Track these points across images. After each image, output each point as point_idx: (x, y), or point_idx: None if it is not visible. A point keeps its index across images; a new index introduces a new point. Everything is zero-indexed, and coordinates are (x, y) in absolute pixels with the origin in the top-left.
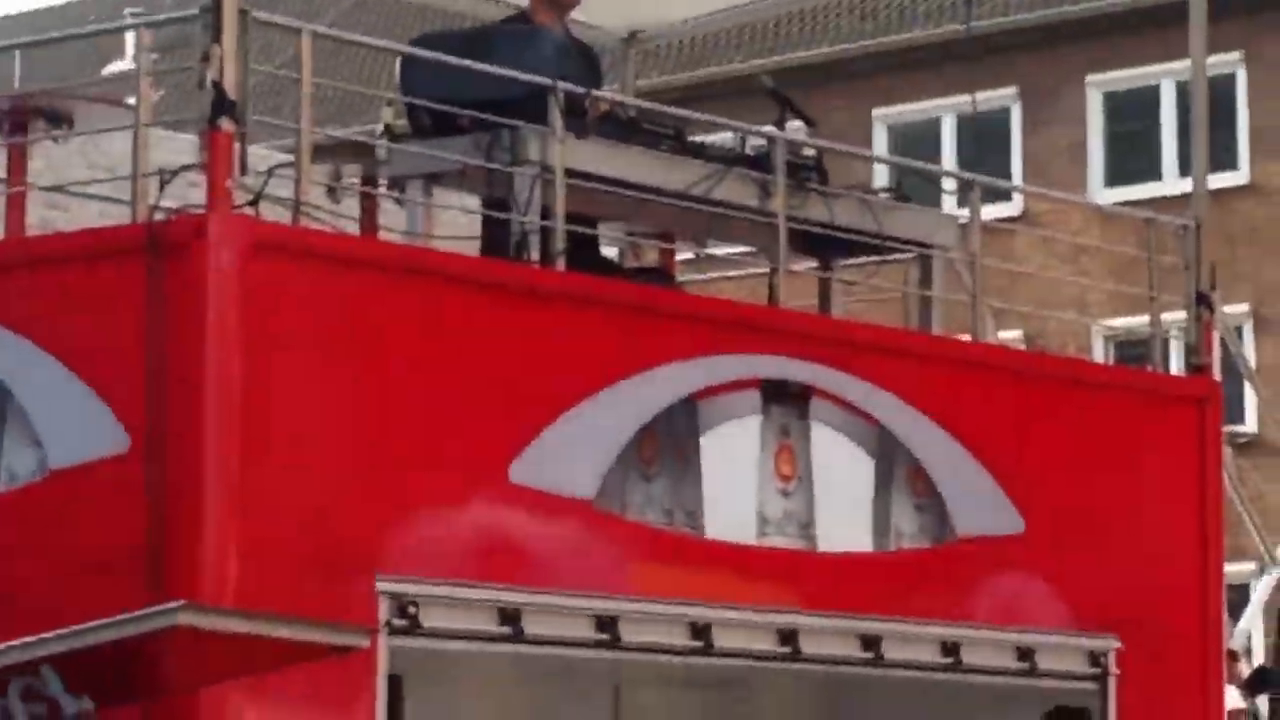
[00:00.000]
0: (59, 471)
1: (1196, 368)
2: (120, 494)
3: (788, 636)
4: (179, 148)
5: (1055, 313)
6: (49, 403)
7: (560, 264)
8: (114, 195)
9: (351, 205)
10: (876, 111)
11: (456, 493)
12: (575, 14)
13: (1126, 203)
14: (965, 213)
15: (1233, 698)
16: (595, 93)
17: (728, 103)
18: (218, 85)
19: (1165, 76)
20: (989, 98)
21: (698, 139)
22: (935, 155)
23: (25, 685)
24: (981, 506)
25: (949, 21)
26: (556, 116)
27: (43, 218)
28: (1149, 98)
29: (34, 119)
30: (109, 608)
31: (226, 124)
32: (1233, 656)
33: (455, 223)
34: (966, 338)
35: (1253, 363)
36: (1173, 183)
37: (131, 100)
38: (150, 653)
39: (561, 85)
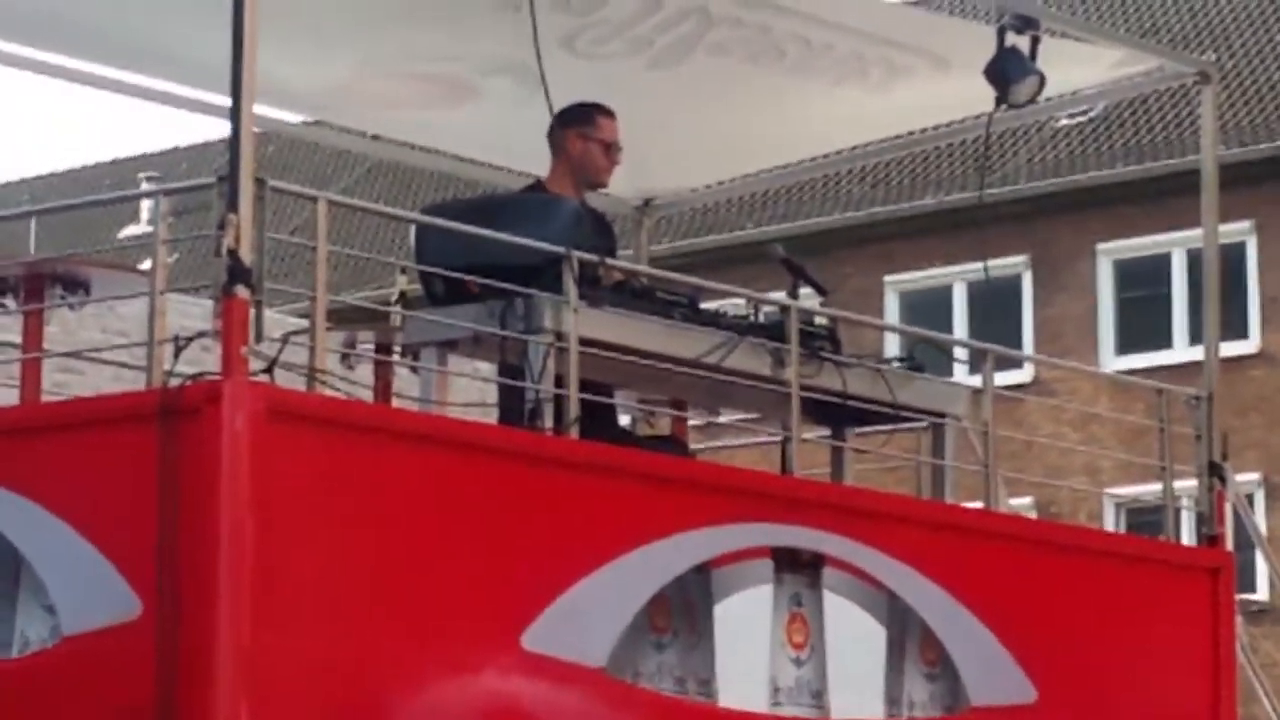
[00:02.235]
0: (71, 638)
1: (1209, 538)
2: (131, 661)
3: None
4: (193, 312)
5: (1067, 482)
6: (61, 569)
7: (574, 432)
8: (129, 360)
9: (365, 372)
10: (888, 278)
11: (470, 660)
12: None
13: (1137, 370)
14: (977, 380)
15: None
16: (609, 261)
17: (741, 269)
18: (233, 253)
19: (1175, 245)
20: (1000, 265)
21: (711, 307)
22: (947, 322)
23: None
24: (993, 676)
25: (959, 190)
26: (571, 286)
27: (56, 381)
28: (1159, 266)
29: (50, 285)
30: None
31: (242, 291)
32: None
33: (469, 389)
34: (979, 506)
35: (1264, 530)
36: (1183, 350)
37: (146, 265)
38: None
39: (576, 254)
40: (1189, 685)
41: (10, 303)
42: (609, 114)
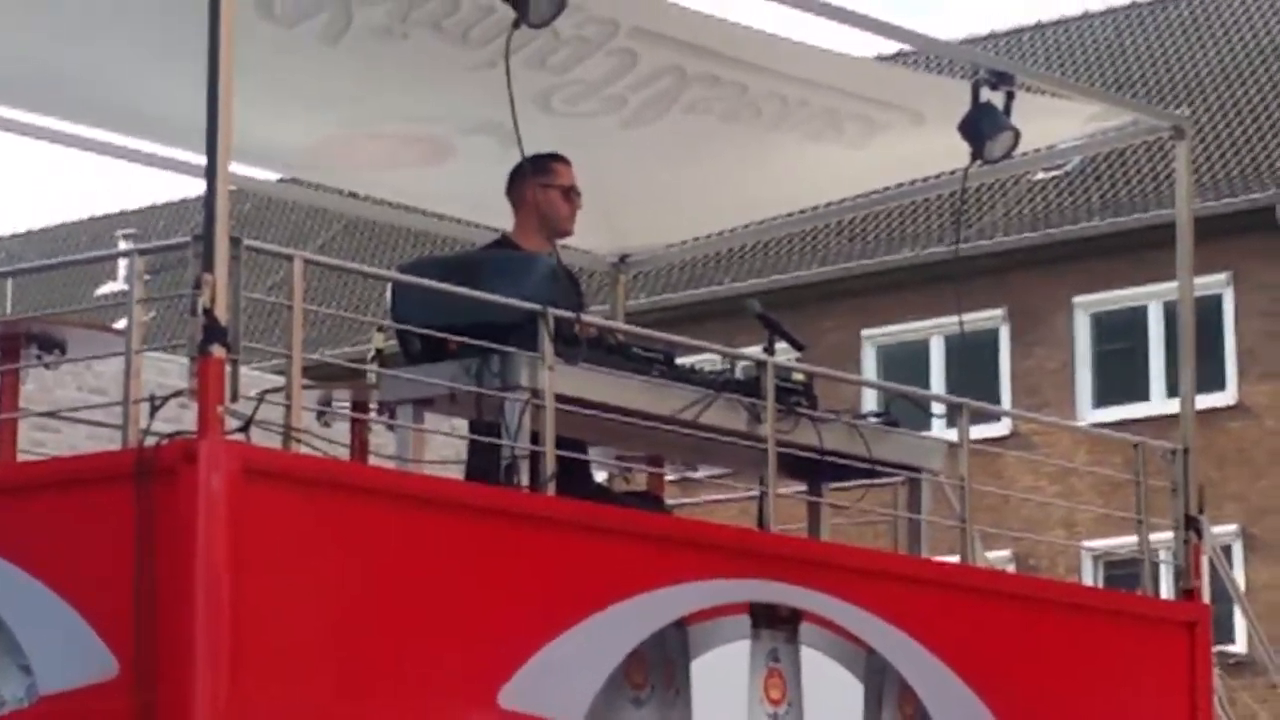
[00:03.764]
0: (48, 697)
1: (1186, 591)
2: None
3: None
4: (169, 369)
5: (1045, 536)
6: (38, 628)
7: (550, 489)
8: (105, 419)
9: (342, 430)
10: (865, 332)
11: (447, 718)
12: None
13: (1115, 423)
14: (954, 435)
15: None
16: (585, 318)
17: (718, 323)
18: (209, 312)
19: (1152, 298)
20: (977, 319)
21: (687, 362)
22: (924, 375)
23: None
24: None
25: (936, 244)
26: (546, 342)
27: (33, 440)
28: (1136, 319)
29: (26, 344)
30: None
31: (218, 350)
32: None
33: (446, 446)
34: (956, 560)
35: (1242, 582)
36: (1160, 403)
37: (121, 325)
38: None
39: (551, 311)
40: None
41: None
42: (564, 161)
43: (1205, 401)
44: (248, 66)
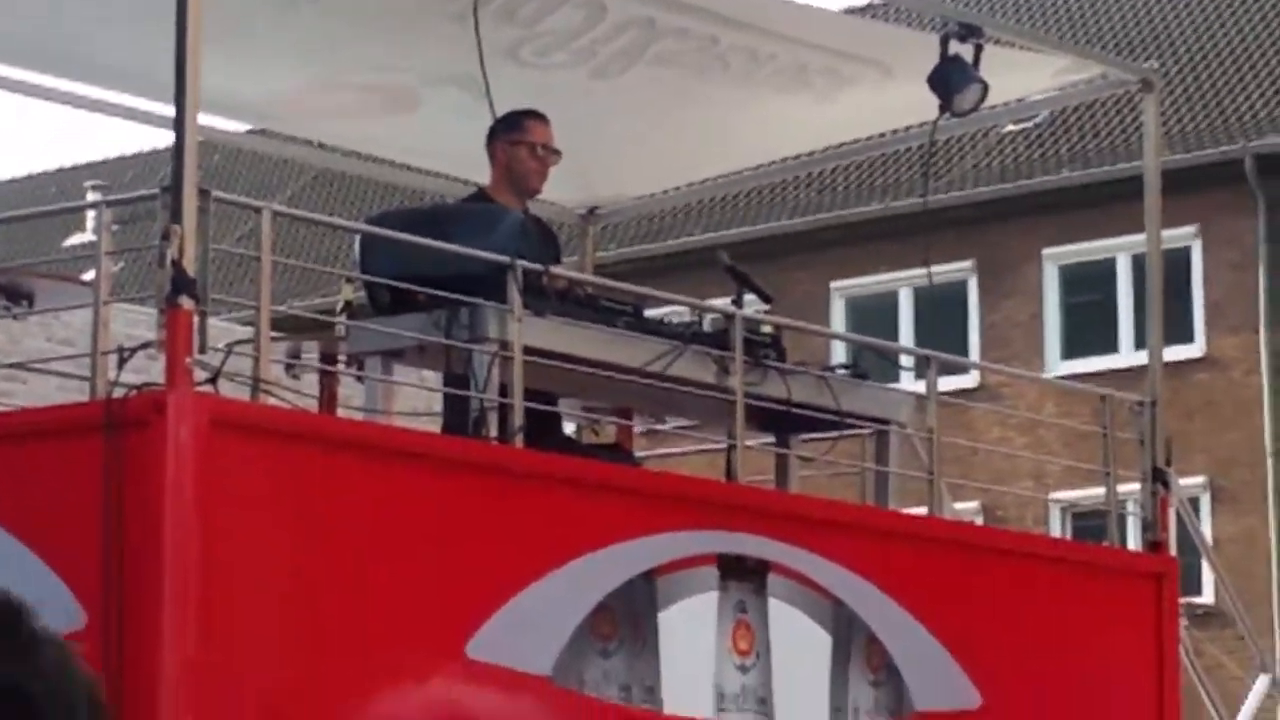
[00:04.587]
0: None
1: (1153, 544)
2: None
3: None
4: (138, 320)
5: (1012, 487)
6: (5, 579)
7: (518, 441)
8: (73, 371)
9: (310, 381)
10: (834, 284)
11: (414, 669)
12: None
13: (1083, 375)
14: (922, 387)
15: None
16: (554, 270)
17: (687, 276)
18: (177, 264)
19: (1121, 250)
20: (946, 270)
21: (656, 314)
22: (893, 327)
23: None
24: (938, 681)
25: (905, 195)
26: (515, 294)
27: (1, 390)
28: (1105, 271)
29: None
30: None
31: (186, 301)
32: None
33: (415, 398)
34: (924, 512)
35: (1209, 534)
36: (1129, 355)
37: (89, 276)
38: None
39: (520, 263)
40: (1133, 689)
41: None
42: (540, 118)
43: (1173, 354)
44: (215, 18)
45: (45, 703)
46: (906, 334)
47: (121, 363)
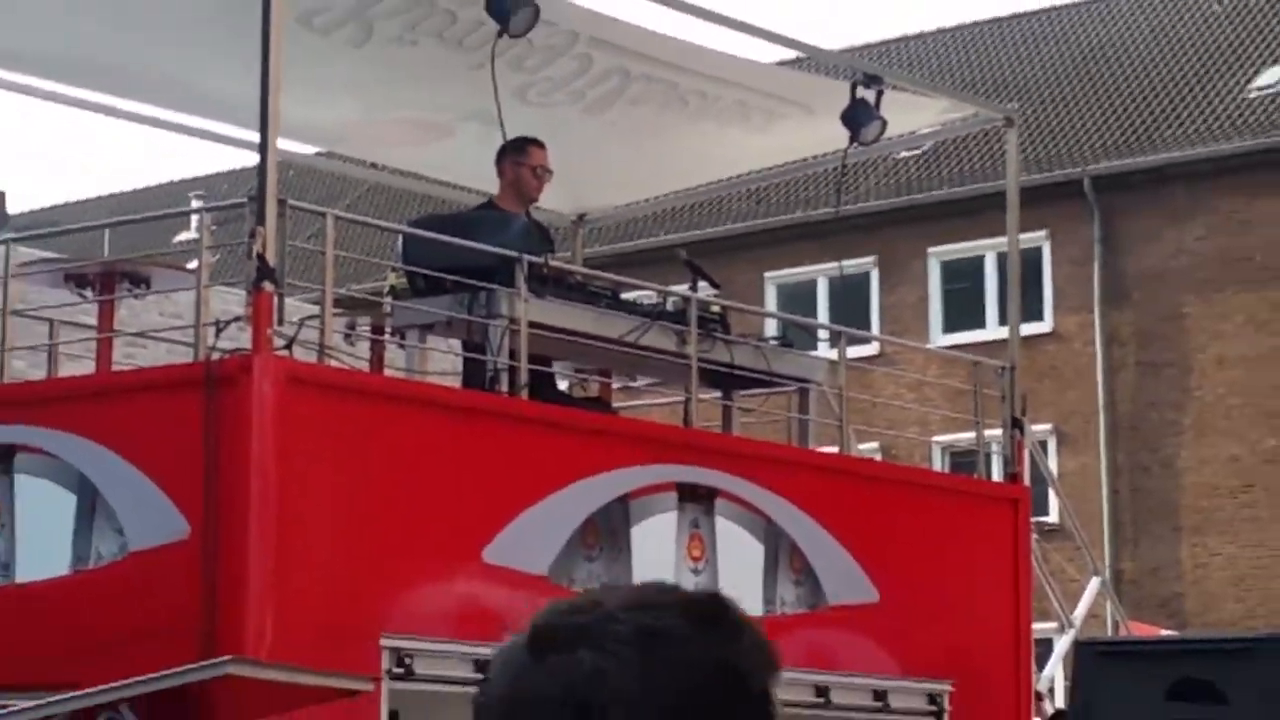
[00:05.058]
0: (136, 553)
1: (1011, 475)
2: (182, 572)
3: None
4: (231, 300)
5: (904, 433)
6: (128, 500)
7: (524, 395)
8: (180, 339)
9: (364, 348)
10: (767, 274)
11: (442, 571)
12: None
13: (959, 345)
14: (834, 355)
15: None
16: (550, 262)
17: (655, 267)
18: (261, 257)
19: (988, 249)
20: (853, 264)
21: (630, 297)
22: (812, 308)
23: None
24: (845, 581)
25: (822, 206)
26: (521, 281)
27: (125, 354)
28: (975, 265)
29: (119, 280)
30: (174, 660)
31: (267, 286)
32: (1039, 697)
33: (443, 361)
34: (835, 450)
35: (1054, 468)
36: (994, 330)
37: (193, 266)
38: (205, 695)
39: (525, 257)
40: (996, 587)
41: (89, 294)
42: (539, 144)
43: (1027, 329)
44: (292, 64)
45: (751, 674)
46: (823, 313)
47: (218, 333)
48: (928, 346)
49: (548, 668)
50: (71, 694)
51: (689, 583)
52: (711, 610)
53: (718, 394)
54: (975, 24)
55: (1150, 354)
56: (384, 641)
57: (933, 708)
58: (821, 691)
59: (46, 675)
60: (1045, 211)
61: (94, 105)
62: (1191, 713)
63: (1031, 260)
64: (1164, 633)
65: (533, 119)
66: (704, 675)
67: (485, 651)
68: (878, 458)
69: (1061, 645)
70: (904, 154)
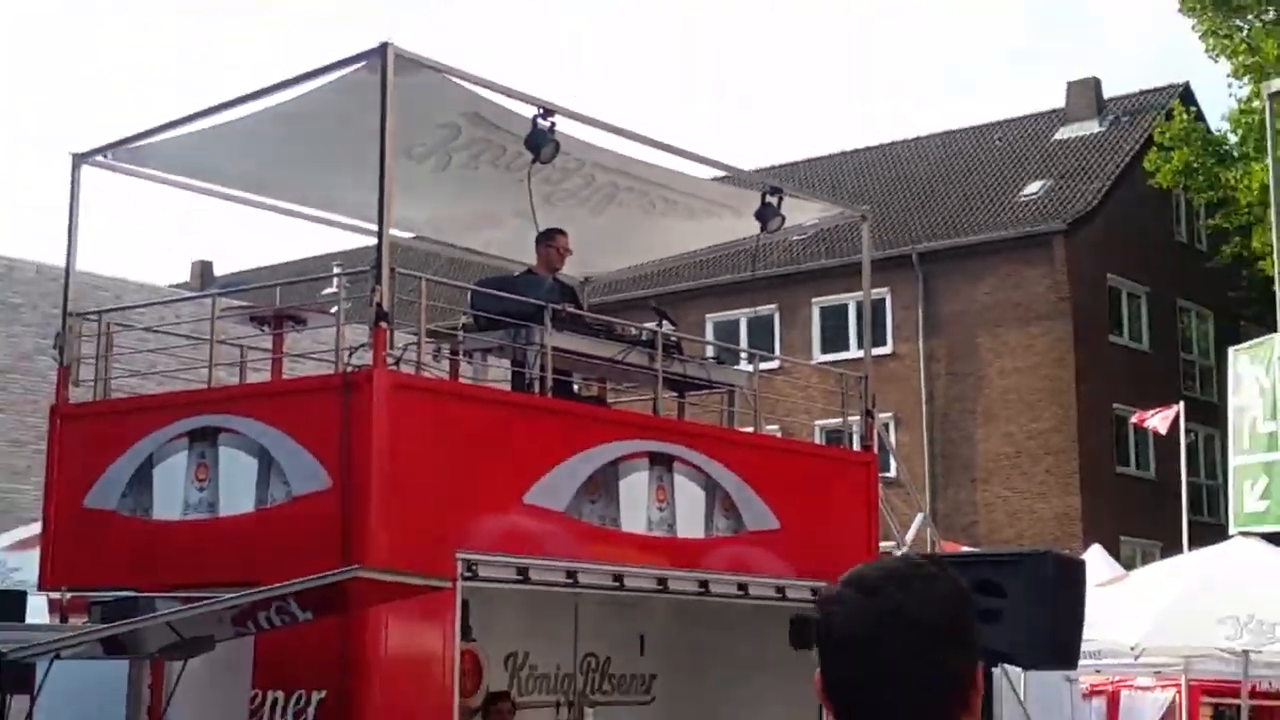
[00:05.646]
0: (297, 498)
1: (865, 447)
2: (326, 510)
3: (662, 581)
4: (359, 333)
5: (797, 419)
6: (291, 463)
7: (549, 394)
8: (326, 359)
9: (445, 365)
10: (708, 315)
11: (496, 508)
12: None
13: (831, 362)
14: (750, 369)
15: None
16: (566, 309)
17: (634, 312)
18: (379, 305)
19: (851, 299)
20: (762, 309)
21: (619, 331)
22: (737, 338)
23: (278, 607)
24: (757, 515)
25: (743, 270)
26: (548, 322)
27: (289, 369)
28: (842, 310)
29: (286, 321)
30: (322, 568)
31: (383, 324)
32: None
33: (497, 372)
34: (751, 430)
35: (893, 442)
36: (854, 352)
37: (334, 310)
38: (342, 591)
39: (551, 306)
40: (855, 519)
41: (266, 329)
42: (562, 233)
43: (876, 352)
44: (398, 180)
45: (967, 592)
46: (744, 340)
47: (350, 355)
48: (811, 363)
49: (873, 600)
50: (256, 590)
51: (656, 517)
52: (937, 563)
53: (675, 394)
54: (843, 152)
55: (955, 368)
56: (458, 555)
57: (815, 597)
58: (742, 587)
59: (239, 577)
60: (888, 275)
61: (271, 206)
62: (983, 602)
63: (879, 307)
64: (964, 549)
65: (555, 215)
66: (954, 596)
67: (523, 561)
68: (779, 435)
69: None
70: (795, 237)
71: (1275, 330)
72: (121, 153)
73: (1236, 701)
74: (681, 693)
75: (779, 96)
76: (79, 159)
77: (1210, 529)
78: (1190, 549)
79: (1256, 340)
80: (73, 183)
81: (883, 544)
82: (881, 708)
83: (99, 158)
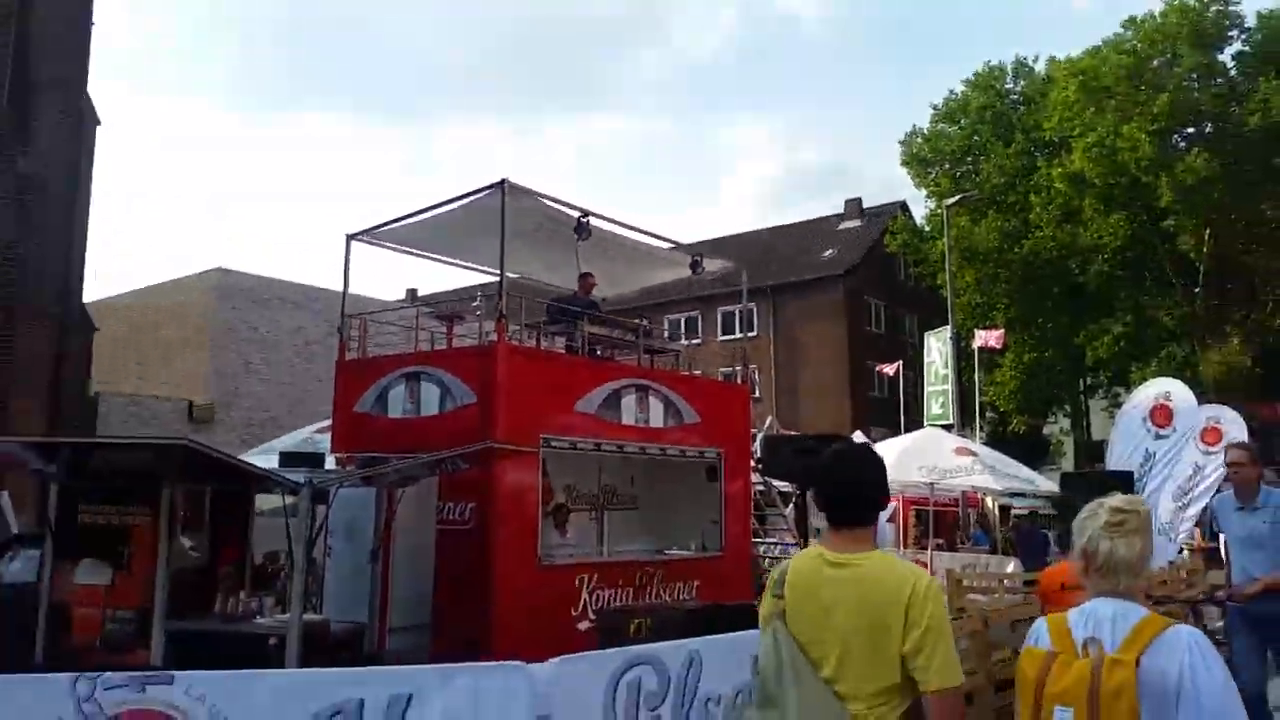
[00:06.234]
0: (459, 408)
1: (743, 381)
2: (475, 413)
3: (642, 448)
4: (489, 324)
5: (709, 368)
6: (456, 389)
7: (586, 356)
8: (474, 338)
9: (534, 341)
10: (667, 315)
11: (560, 411)
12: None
13: (728, 341)
14: (687, 343)
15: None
16: (595, 314)
17: (629, 314)
18: (500, 310)
19: (736, 309)
20: (693, 313)
21: (621, 323)
22: (682, 327)
23: (451, 461)
24: (689, 415)
25: (683, 293)
26: (585, 320)
27: (458, 342)
28: (733, 315)
29: (455, 319)
30: (471, 442)
31: (502, 320)
32: (757, 459)
33: (559, 345)
34: (687, 373)
35: (757, 380)
36: (738, 335)
37: (479, 313)
38: (482, 455)
39: (586, 312)
40: (739, 419)
41: (443, 324)
42: (591, 274)
43: (749, 335)
44: (509, 250)
45: (872, 454)
46: (684, 328)
47: (483, 336)
48: (717, 341)
49: (830, 456)
50: (440, 453)
51: (643, 417)
52: (863, 441)
53: (649, 356)
54: (727, 235)
55: (788, 344)
56: (540, 435)
57: (716, 457)
58: (681, 450)
59: (429, 446)
60: (754, 297)
61: (449, 261)
62: (805, 458)
63: (749, 313)
64: (793, 433)
65: (585, 263)
66: (869, 459)
67: (572, 438)
68: (701, 375)
69: (760, 437)
70: (709, 278)
71: (945, 325)
72: (375, 234)
73: (926, 508)
74: (651, 504)
75: (687, 216)
76: (350, 236)
77: (914, 424)
78: (905, 433)
79: (937, 329)
80: (346, 249)
81: (753, 430)
82: (838, 500)
83: (361, 236)
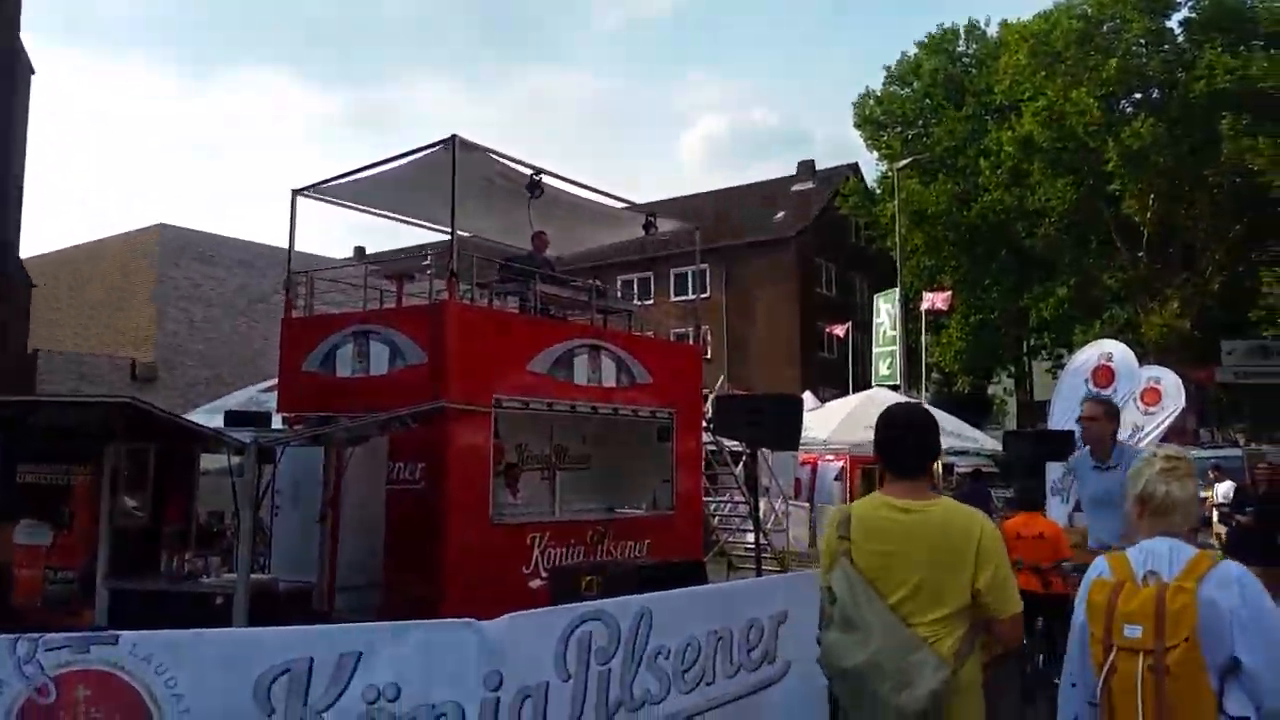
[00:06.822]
0: (408, 367)
1: (696, 341)
2: (424, 373)
3: (594, 408)
4: (439, 283)
5: (662, 327)
6: (405, 347)
7: (539, 316)
8: (422, 297)
9: (485, 300)
10: (620, 276)
11: (511, 371)
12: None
13: (680, 302)
14: (640, 304)
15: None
16: (548, 272)
17: (583, 274)
18: (451, 270)
19: (690, 269)
20: (645, 274)
21: (574, 283)
22: (635, 288)
23: (401, 420)
24: (641, 376)
25: (637, 255)
26: (537, 276)
27: (406, 302)
28: (685, 276)
29: (404, 278)
30: (421, 401)
31: (453, 278)
32: (708, 418)
33: (511, 304)
34: (639, 334)
35: (708, 341)
36: (691, 296)
37: (429, 271)
38: (434, 417)
39: (539, 271)
40: (691, 380)
41: (392, 283)
42: (543, 233)
43: (701, 296)
44: (460, 207)
45: (925, 423)
46: (637, 289)
47: (434, 294)
48: (670, 301)
49: (898, 412)
50: (389, 412)
51: (595, 376)
52: (924, 406)
53: (601, 316)
54: (683, 195)
55: (739, 305)
56: (494, 395)
57: (668, 417)
58: (634, 410)
59: (379, 406)
60: (706, 257)
61: (397, 218)
62: (752, 416)
63: (702, 274)
64: (743, 392)
65: (538, 222)
66: (928, 416)
67: (525, 398)
68: (653, 336)
69: (717, 388)
70: (662, 237)
71: (894, 287)
72: (322, 189)
73: (873, 467)
74: (603, 464)
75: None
76: (296, 192)
77: (863, 384)
78: (853, 393)
79: (886, 291)
80: (292, 205)
81: (705, 390)
82: (901, 453)
83: (308, 192)
